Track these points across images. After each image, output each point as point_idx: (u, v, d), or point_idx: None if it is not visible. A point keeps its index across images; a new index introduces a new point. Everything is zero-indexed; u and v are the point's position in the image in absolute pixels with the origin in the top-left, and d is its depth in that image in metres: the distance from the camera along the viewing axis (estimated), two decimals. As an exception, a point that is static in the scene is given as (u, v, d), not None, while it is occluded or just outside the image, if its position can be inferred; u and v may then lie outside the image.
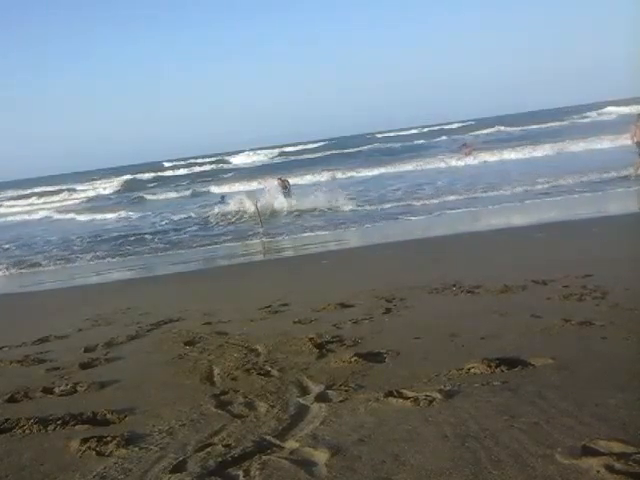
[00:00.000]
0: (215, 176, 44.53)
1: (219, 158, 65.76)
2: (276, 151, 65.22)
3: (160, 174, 53.87)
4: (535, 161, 25.10)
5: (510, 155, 28.40)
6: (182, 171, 55.02)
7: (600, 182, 15.09)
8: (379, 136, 71.04)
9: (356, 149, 51.48)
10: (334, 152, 51.67)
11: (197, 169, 55.09)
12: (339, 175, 31.28)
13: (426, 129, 71.04)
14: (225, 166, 56.56)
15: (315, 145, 68.24)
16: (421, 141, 51.92)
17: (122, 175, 56.71)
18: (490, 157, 28.38)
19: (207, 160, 65.26)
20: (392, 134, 72.21)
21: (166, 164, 68.19)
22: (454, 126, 67.93)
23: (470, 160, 28.48)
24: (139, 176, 52.75)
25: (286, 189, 21.97)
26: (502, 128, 51.20)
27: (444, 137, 51.99)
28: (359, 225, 13.58)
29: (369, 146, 52.77)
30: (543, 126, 48.64)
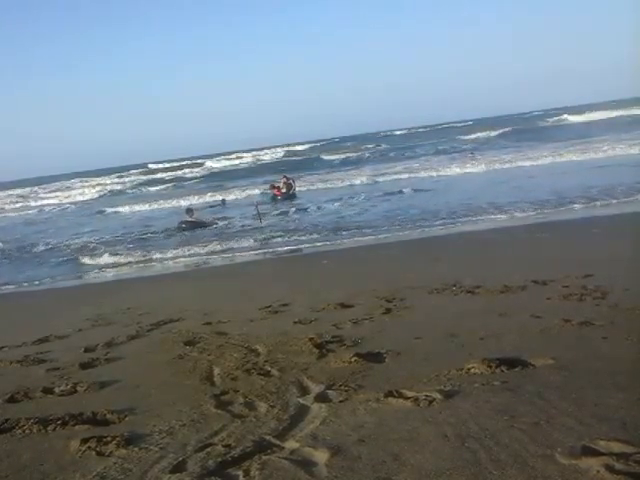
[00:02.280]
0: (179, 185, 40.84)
1: (201, 161, 64.06)
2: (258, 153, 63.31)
3: (144, 177, 52.75)
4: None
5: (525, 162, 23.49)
6: (163, 175, 52.47)
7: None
8: (380, 136, 70.74)
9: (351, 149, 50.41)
10: (316, 156, 48.75)
11: (173, 174, 52.28)
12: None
13: (420, 129, 70.76)
14: (204, 170, 53.99)
15: (304, 147, 66.89)
16: (411, 143, 50.90)
17: (110, 175, 56.31)
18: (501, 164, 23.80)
19: (188, 163, 64.32)
20: (388, 133, 72.01)
21: (152, 166, 67.98)
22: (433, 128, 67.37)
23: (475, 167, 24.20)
24: (122, 182, 50.96)
25: (291, 188, 21.85)
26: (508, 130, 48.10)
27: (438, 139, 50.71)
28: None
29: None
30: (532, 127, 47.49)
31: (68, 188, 50.62)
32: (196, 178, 45.30)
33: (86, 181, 57.85)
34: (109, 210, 27.45)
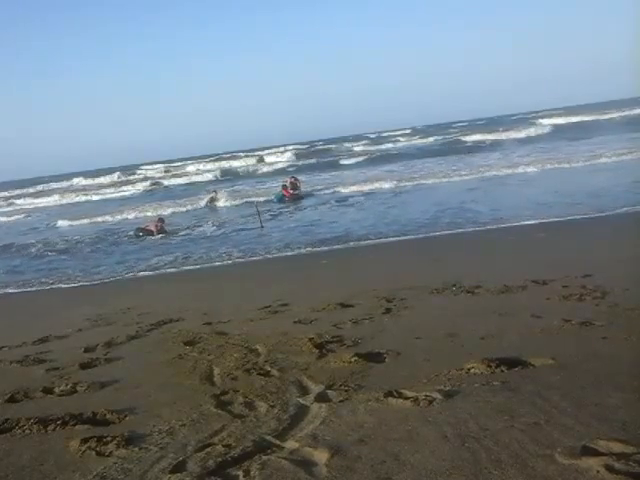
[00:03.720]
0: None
1: (172, 165, 61.21)
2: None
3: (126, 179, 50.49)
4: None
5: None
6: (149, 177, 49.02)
7: None
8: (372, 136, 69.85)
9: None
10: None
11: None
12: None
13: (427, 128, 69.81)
14: (193, 173, 48.42)
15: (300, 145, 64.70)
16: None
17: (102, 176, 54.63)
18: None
19: (179, 164, 61.63)
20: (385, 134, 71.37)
21: (143, 167, 65.21)
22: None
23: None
24: (101, 185, 47.53)
25: (297, 188, 21.85)
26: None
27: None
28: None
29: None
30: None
31: (40, 193, 46.97)
32: (185, 184, 39.34)
33: (73, 183, 55.08)
34: (64, 223, 22.80)
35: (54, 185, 56.07)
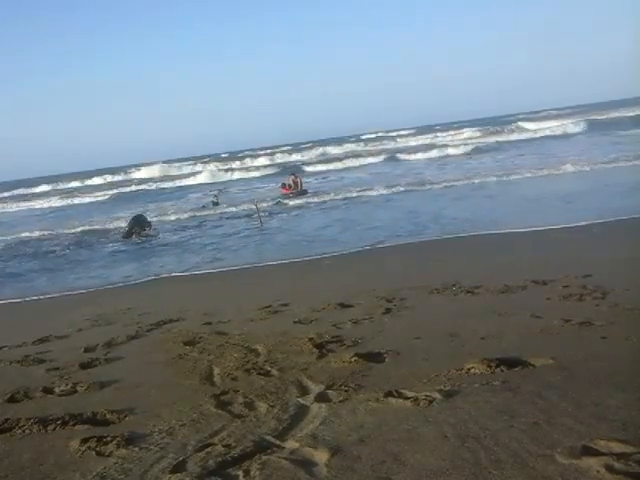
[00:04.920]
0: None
1: (170, 165, 58.52)
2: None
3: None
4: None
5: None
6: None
7: None
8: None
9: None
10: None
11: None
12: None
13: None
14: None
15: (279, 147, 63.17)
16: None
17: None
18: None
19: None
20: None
21: (142, 167, 62.07)
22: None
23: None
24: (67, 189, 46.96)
25: (297, 186, 21.89)
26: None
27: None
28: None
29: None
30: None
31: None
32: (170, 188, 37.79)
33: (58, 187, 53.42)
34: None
35: (37, 189, 54.85)
